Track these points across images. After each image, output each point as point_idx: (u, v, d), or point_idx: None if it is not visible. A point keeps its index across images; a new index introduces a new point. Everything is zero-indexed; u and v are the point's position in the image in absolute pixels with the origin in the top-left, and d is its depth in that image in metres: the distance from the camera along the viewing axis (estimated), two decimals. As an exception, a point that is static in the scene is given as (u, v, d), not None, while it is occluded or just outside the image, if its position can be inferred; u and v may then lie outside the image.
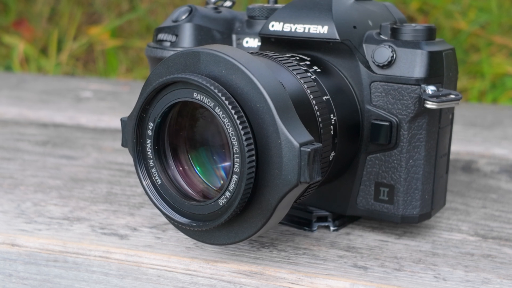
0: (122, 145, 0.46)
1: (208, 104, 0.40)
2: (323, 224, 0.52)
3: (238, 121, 0.39)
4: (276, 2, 0.55)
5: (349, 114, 0.48)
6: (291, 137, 0.39)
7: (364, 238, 0.51)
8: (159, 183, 0.44)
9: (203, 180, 0.45)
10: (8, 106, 0.92)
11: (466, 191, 0.62)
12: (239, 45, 0.55)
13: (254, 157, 0.39)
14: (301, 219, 0.52)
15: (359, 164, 0.49)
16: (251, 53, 0.46)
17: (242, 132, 0.39)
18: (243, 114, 0.39)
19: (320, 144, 0.39)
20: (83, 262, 0.47)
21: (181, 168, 0.44)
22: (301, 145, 0.39)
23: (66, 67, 1.64)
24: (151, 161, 0.44)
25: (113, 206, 0.55)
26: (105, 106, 0.93)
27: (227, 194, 0.40)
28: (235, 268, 0.45)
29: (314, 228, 0.52)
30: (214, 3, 0.57)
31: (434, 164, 0.49)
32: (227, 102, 0.39)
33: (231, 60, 0.40)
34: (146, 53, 0.55)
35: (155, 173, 0.44)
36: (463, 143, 0.78)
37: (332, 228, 0.52)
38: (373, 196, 0.50)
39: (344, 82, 0.49)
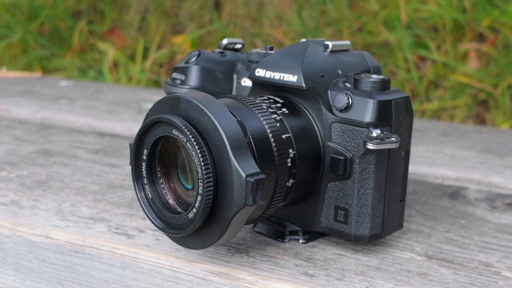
0: (130, 163, 0.58)
1: (182, 139, 0.52)
2: (294, 237, 0.62)
3: (200, 155, 0.50)
4: (272, 49, 0.66)
5: (311, 149, 0.58)
6: (240, 169, 0.50)
7: (325, 251, 0.60)
8: (150, 197, 0.56)
9: (188, 192, 0.56)
10: (79, 115, 1.08)
11: (439, 216, 0.70)
12: (238, 84, 0.67)
13: (211, 183, 0.51)
14: (277, 232, 0.63)
15: (321, 189, 0.60)
16: (227, 97, 0.58)
17: (203, 163, 0.50)
18: (205, 149, 0.51)
19: (264, 176, 0.50)
20: (96, 254, 0.60)
21: (167, 186, 0.56)
22: (247, 176, 0.50)
23: (150, 73, 1.81)
24: (145, 179, 0.56)
25: (132, 211, 0.68)
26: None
27: (194, 210, 0.52)
28: (208, 268, 0.57)
29: (286, 240, 0.62)
30: (225, 46, 0.69)
31: (384, 193, 0.58)
32: (193, 140, 0.51)
33: (201, 106, 0.52)
34: (163, 88, 0.67)
35: (147, 189, 0.56)
36: (466, 170, 0.85)
37: (301, 241, 0.62)
38: (333, 216, 0.60)
39: (310, 121, 0.59)
